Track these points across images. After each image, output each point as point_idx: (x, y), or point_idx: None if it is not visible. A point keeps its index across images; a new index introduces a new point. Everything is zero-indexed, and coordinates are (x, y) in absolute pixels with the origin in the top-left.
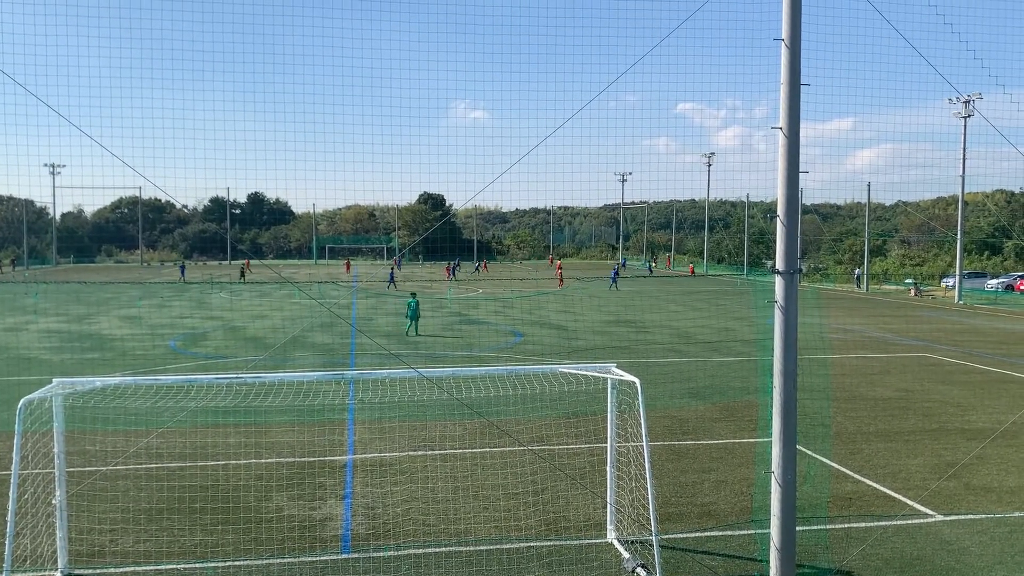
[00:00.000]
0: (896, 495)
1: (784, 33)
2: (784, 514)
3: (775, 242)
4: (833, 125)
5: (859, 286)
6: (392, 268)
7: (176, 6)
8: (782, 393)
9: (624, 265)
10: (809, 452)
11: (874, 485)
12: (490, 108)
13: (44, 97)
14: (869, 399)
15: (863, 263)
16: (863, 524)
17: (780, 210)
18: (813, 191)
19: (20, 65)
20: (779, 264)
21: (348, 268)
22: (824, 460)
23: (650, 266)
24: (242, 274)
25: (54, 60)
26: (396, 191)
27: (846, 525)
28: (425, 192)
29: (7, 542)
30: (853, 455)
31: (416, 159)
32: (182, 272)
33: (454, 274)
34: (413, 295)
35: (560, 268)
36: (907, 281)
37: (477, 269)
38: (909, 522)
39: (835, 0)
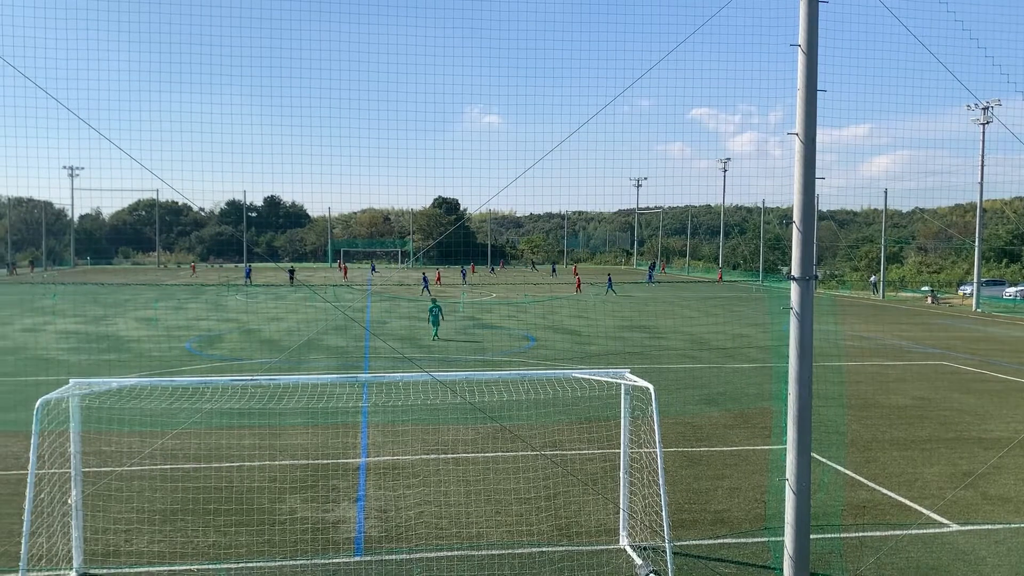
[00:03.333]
0: (912, 504)
1: (801, 39)
2: (798, 522)
3: (791, 248)
4: (850, 131)
5: (875, 293)
6: (424, 273)
7: (194, 11)
8: (797, 400)
9: (653, 268)
10: (823, 460)
11: (889, 493)
12: (504, 113)
13: (64, 100)
14: (885, 407)
15: (879, 270)
16: (878, 533)
17: (796, 216)
18: (829, 197)
19: (41, 69)
20: (795, 270)
21: (345, 274)
22: (839, 468)
23: (652, 272)
24: (291, 277)
25: (74, 64)
26: (411, 195)
27: (860, 534)
28: (440, 196)
29: (23, 541)
30: (868, 463)
31: (431, 163)
32: (247, 275)
33: (464, 278)
34: (435, 301)
35: (577, 273)
36: (924, 288)
37: (493, 270)
38: (925, 531)
39: (852, 6)
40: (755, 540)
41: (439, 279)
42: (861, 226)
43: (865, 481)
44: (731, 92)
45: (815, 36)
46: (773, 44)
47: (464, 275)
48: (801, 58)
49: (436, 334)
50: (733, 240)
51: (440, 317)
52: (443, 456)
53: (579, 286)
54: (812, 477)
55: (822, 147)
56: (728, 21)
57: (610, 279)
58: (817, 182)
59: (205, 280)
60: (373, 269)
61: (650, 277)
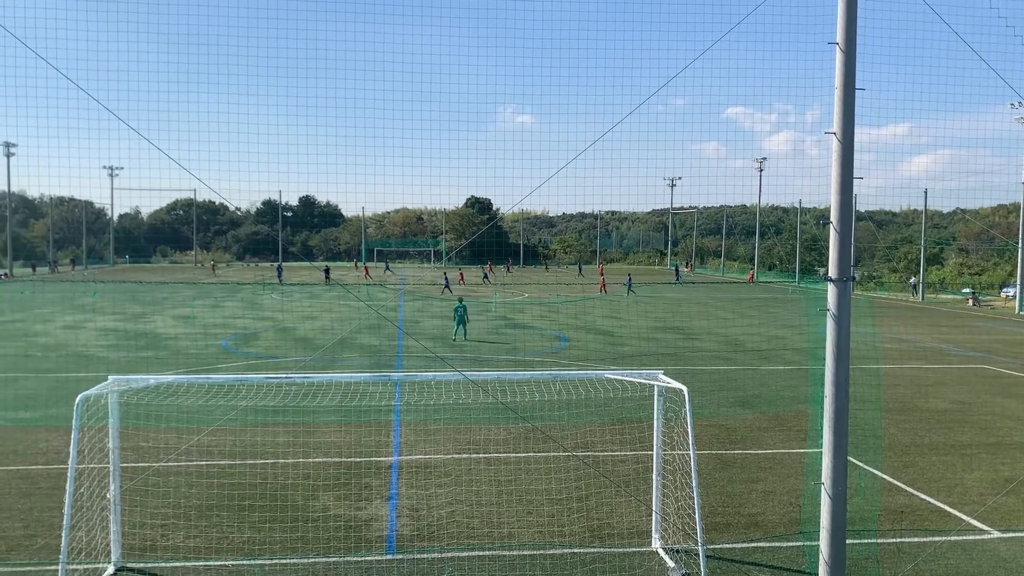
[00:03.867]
0: (951, 510)
1: (839, 37)
2: (834, 526)
3: (828, 249)
4: (888, 130)
5: (915, 295)
6: (445, 274)
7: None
8: (833, 403)
9: (678, 271)
10: (860, 464)
11: (928, 499)
12: (537, 113)
13: (104, 101)
14: (924, 411)
15: (919, 271)
16: (916, 539)
17: (833, 216)
18: (867, 197)
19: (83, 71)
20: (832, 271)
21: (367, 273)
22: (876, 472)
23: (678, 269)
24: (327, 276)
25: (115, 66)
26: (444, 195)
27: (898, 540)
28: (472, 196)
29: (64, 534)
30: (906, 468)
31: (463, 163)
32: (279, 273)
33: (487, 277)
34: (460, 300)
35: (603, 273)
36: (965, 291)
37: (508, 270)
38: (965, 538)
39: (892, 3)
40: (790, 544)
41: (462, 279)
42: (900, 227)
43: (903, 486)
44: (767, 91)
45: (853, 34)
46: (810, 42)
47: (486, 275)
48: (839, 56)
49: (462, 334)
50: (769, 240)
51: (466, 317)
52: (475, 456)
53: (603, 287)
54: (848, 481)
55: (860, 146)
56: (764, 19)
57: (630, 279)
58: (855, 182)
59: (241, 279)
60: (387, 268)
61: (677, 278)
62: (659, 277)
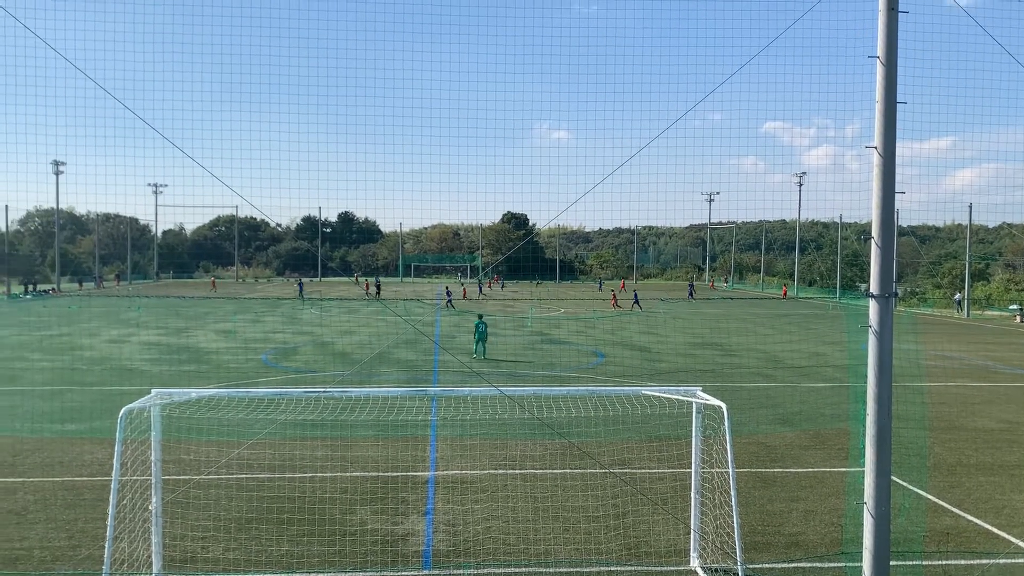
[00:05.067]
0: (999, 532)
1: (879, 50)
2: (877, 547)
3: (869, 265)
4: (931, 144)
5: (959, 311)
6: (448, 287)
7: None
8: (876, 421)
9: (694, 288)
10: (904, 483)
11: (975, 520)
12: (573, 128)
13: (150, 120)
14: (970, 430)
15: (964, 287)
16: (962, 561)
17: (875, 231)
18: (910, 212)
19: (129, 91)
20: (873, 287)
21: (378, 290)
22: (920, 492)
23: (692, 285)
24: (378, 290)
25: (160, 86)
26: (480, 210)
27: (944, 562)
28: (509, 212)
29: (107, 545)
30: (952, 488)
31: (500, 179)
32: (300, 289)
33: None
34: (480, 317)
35: (614, 290)
36: (1012, 307)
37: (490, 283)
38: (1014, 561)
39: (934, 15)
40: (831, 565)
41: (465, 294)
42: (944, 242)
43: (949, 507)
44: (805, 105)
45: (894, 47)
46: (849, 56)
47: (480, 289)
48: (880, 70)
49: (482, 352)
50: (809, 256)
51: (486, 333)
52: (511, 471)
53: (615, 302)
54: (892, 501)
55: (902, 161)
56: (802, 34)
57: (636, 295)
58: (897, 196)
59: (281, 294)
60: (378, 285)
61: (690, 294)
62: (680, 293)
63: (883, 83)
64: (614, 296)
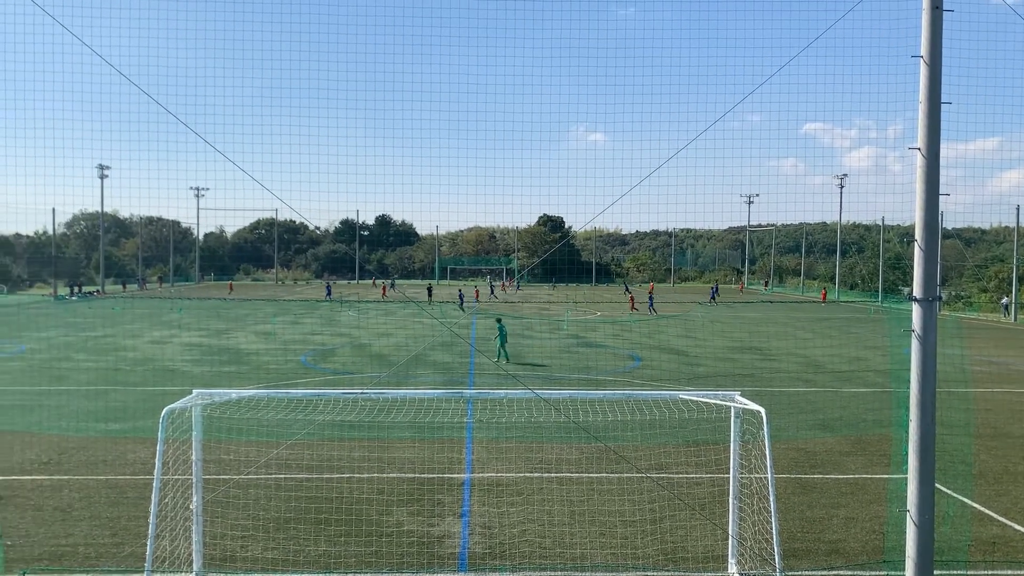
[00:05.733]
0: None
1: (923, 50)
2: (920, 556)
3: (912, 268)
4: (976, 145)
5: (1007, 316)
6: (460, 289)
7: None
8: (919, 427)
9: (717, 291)
10: (948, 491)
11: (1022, 530)
12: (609, 131)
13: (193, 125)
14: (1017, 437)
15: (1011, 291)
16: (1009, 571)
17: (918, 234)
18: (954, 214)
19: (172, 95)
20: (917, 291)
21: (384, 292)
22: (965, 500)
23: (714, 291)
24: (429, 294)
25: (202, 92)
26: (516, 213)
27: (990, 572)
28: (544, 214)
29: (149, 543)
30: (999, 496)
31: (536, 182)
32: (328, 292)
33: (493, 292)
34: (499, 320)
35: (632, 294)
36: None
37: (503, 286)
38: None
39: (980, 13)
40: (873, 573)
41: (477, 295)
42: (990, 245)
43: (995, 516)
44: (846, 106)
45: (938, 46)
46: (891, 56)
47: (492, 289)
48: (923, 69)
49: (504, 356)
50: (850, 259)
51: (505, 337)
52: (547, 475)
53: (633, 305)
54: (936, 509)
55: (946, 162)
56: (843, 34)
57: (651, 297)
58: (941, 198)
59: (319, 296)
60: (393, 285)
61: (712, 297)
62: (695, 295)
63: (927, 83)
64: (632, 299)
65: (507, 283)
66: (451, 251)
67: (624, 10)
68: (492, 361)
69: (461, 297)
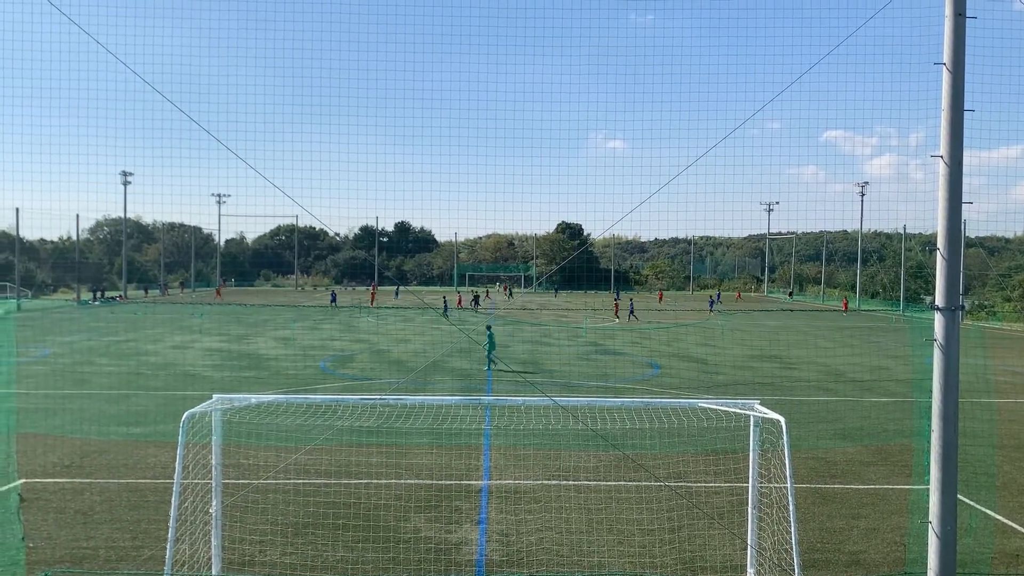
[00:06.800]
0: None
1: (946, 57)
2: (943, 568)
3: (935, 277)
4: (1000, 153)
5: None
6: (445, 297)
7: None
8: (941, 438)
9: (719, 299)
10: (971, 503)
11: None
12: (629, 138)
13: (215, 132)
14: None
15: None
16: None
17: (940, 243)
18: (977, 223)
19: (195, 103)
20: (939, 300)
21: (372, 300)
22: (988, 512)
23: (715, 297)
24: (476, 302)
25: (223, 99)
26: (535, 220)
27: None
28: (563, 221)
29: (168, 547)
30: (1023, 508)
31: (554, 189)
32: (333, 298)
33: (476, 301)
34: (489, 328)
35: (617, 300)
36: None
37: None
38: None
39: (1004, 20)
40: None
41: (460, 303)
42: (1014, 253)
43: (1019, 528)
44: (867, 113)
45: (961, 53)
46: (913, 62)
47: (477, 300)
48: (946, 76)
49: (490, 362)
50: (871, 267)
51: (494, 345)
52: (564, 482)
53: (617, 311)
54: (958, 521)
55: (969, 170)
56: (864, 40)
57: (632, 305)
58: (964, 207)
59: (339, 302)
60: (396, 295)
61: (711, 306)
62: (729, 303)
63: (949, 90)
64: (616, 306)
65: (502, 290)
66: (469, 258)
67: (643, 18)
68: (483, 367)
69: (445, 304)
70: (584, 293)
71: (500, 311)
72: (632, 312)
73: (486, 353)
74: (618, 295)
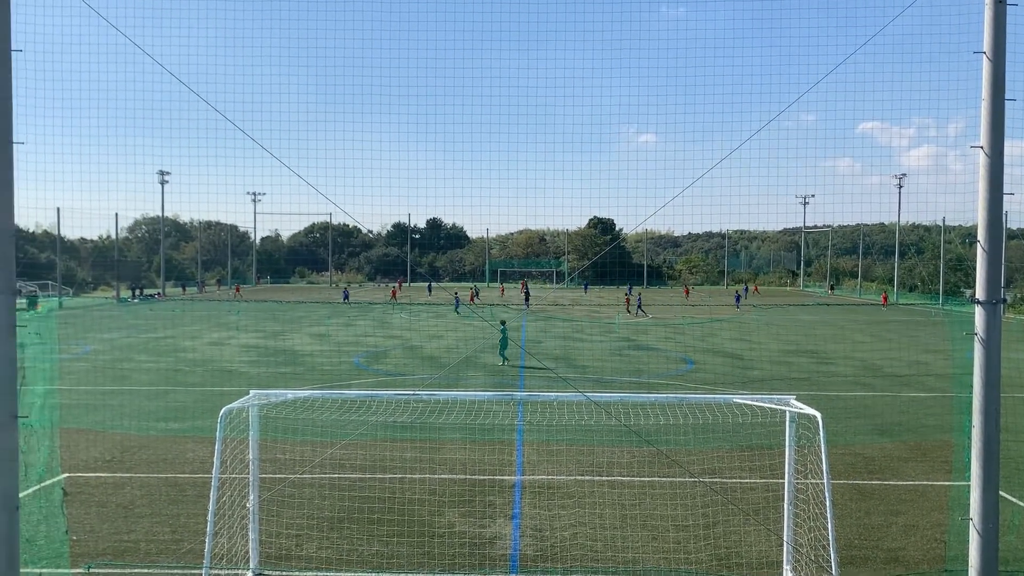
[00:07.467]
0: None
1: (986, 45)
2: (984, 566)
3: (975, 269)
4: None
5: None
6: (456, 292)
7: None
8: (982, 433)
9: (746, 291)
10: (1014, 499)
11: None
12: (661, 132)
13: (250, 131)
14: None
15: None
16: None
17: (980, 235)
18: (1019, 214)
19: (230, 102)
20: (979, 293)
21: (394, 295)
22: None
23: (742, 292)
24: (527, 298)
25: (258, 98)
26: (566, 216)
27: None
28: (595, 216)
29: (207, 540)
30: None
31: (586, 184)
32: (345, 296)
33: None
34: (503, 323)
35: (627, 295)
36: None
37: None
38: None
39: None
40: None
41: (472, 298)
42: None
43: None
44: (904, 104)
45: (1002, 41)
46: (952, 51)
47: (476, 293)
48: (986, 65)
49: (503, 358)
50: (909, 260)
51: (507, 341)
52: (598, 478)
53: (628, 306)
54: (1000, 518)
55: (1010, 160)
56: (900, 30)
57: (640, 299)
58: (1005, 198)
59: (372, 299)
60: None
61: (737, 302)
62: (763, 300)
63: (989, 79)
64: (627, 300)
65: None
66: (501, 254)
67: (675, 10)
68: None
69: (457, 300)
70: (616, 288)
71: (534, 305)
72: (640, 307)
73: (500, 349)
74: (630, 290)
